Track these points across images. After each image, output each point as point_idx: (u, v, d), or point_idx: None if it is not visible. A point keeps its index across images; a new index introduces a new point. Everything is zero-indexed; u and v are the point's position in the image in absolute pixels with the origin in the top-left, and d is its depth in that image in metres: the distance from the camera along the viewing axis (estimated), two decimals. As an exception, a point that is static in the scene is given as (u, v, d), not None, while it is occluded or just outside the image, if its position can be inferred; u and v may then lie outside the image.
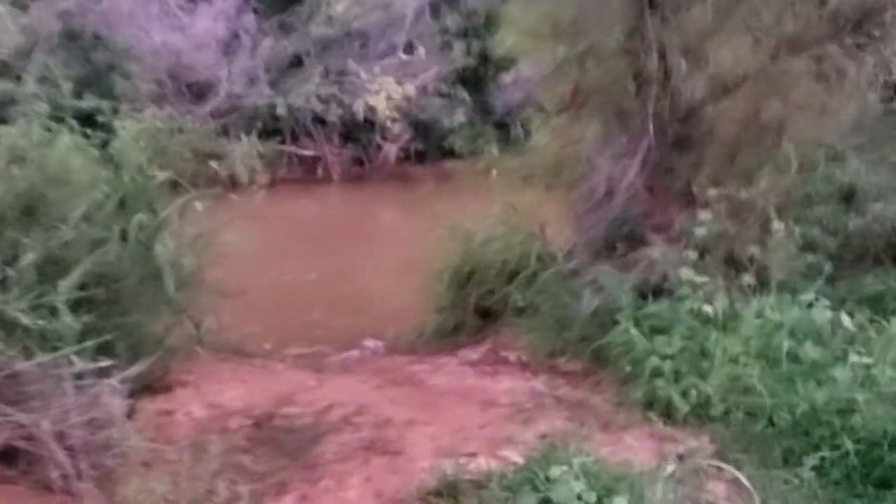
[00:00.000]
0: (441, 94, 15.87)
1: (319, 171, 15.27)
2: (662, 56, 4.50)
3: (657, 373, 3.27)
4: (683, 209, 4.77)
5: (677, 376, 3.22)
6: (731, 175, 4.71)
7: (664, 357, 3.28)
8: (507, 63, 17.38)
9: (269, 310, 7.40)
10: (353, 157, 15.76)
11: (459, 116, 15.65)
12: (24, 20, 13.11)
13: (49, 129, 4.19)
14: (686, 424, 3.15)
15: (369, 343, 6.19)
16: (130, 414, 3.02)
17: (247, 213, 12.72)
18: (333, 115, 14.76)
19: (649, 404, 3.26)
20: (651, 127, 4.78)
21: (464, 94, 16.09)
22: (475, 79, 16.49)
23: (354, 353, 6.05)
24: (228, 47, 14.13)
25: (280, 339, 6.17)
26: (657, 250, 4.37)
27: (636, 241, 4.79)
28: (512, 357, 4.70)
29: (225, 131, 13.71)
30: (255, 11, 14.80)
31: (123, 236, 3.10)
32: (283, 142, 14.80)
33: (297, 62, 15.12)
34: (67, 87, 12.24)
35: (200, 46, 13.64)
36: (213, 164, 13.30)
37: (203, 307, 4.57)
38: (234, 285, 8.18)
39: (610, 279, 4.28)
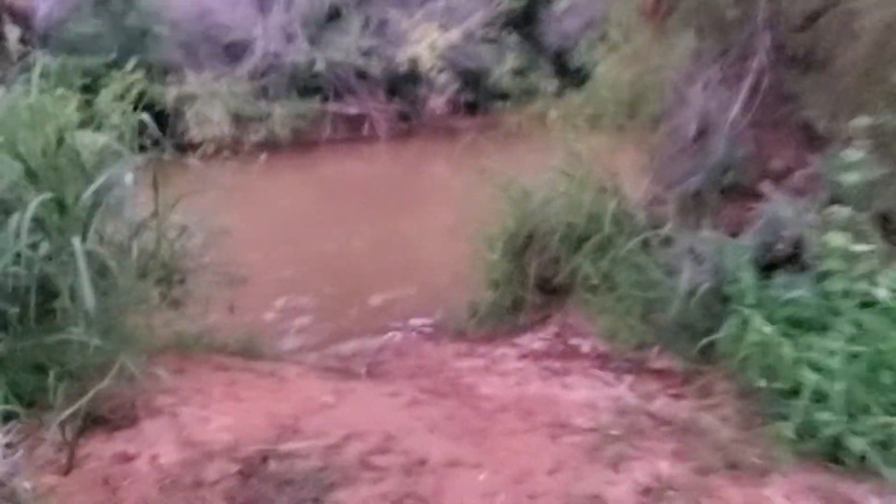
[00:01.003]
0: (488, 40, 14.55)
1: (365, 130, 14.32)
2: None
3: (818, 396, 2.18)
4: (808, 149, 3.54)
5: (850, 403, 2.12)
6: (877, 99, 3.43)
7: (825, 372, 2.17)
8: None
9: (304, 286, 6.71)
10: (399, 113, 14.71)
11: (510, 62, 14.32)
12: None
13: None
14: (865, 472, 2.06)
15: (415, 322, 5.40)
16: (69, 467, 2.18)
17: (287, 178, 12.23)
18: (376, 68, 13.71)
19: (800, 437, 2.19)
20: (763, 40, 3.53)
21: (513, 37, 14.70)
22: (524, 20, 15.03)
23: (396, 336, 5.20)
24: (263, 3, 13.14)
25: (311, 327, 5.38)
26: (779, 205, 3.17)
27: (744, 193, 3.60)
28: (585, 346, 3.66)
29: (264, 92, 12.88)
30: (287, -39, 13.72)
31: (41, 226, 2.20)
32: (325, 100, 13.85)
33: (335, 14, 14.01)
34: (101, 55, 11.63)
35: (234, 4, 12.72)
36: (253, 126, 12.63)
37: (207, 296, 3.72)
38: (264, 261, 7.55)
39: (716, 247, 3.14)
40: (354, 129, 14.27)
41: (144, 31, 11.79)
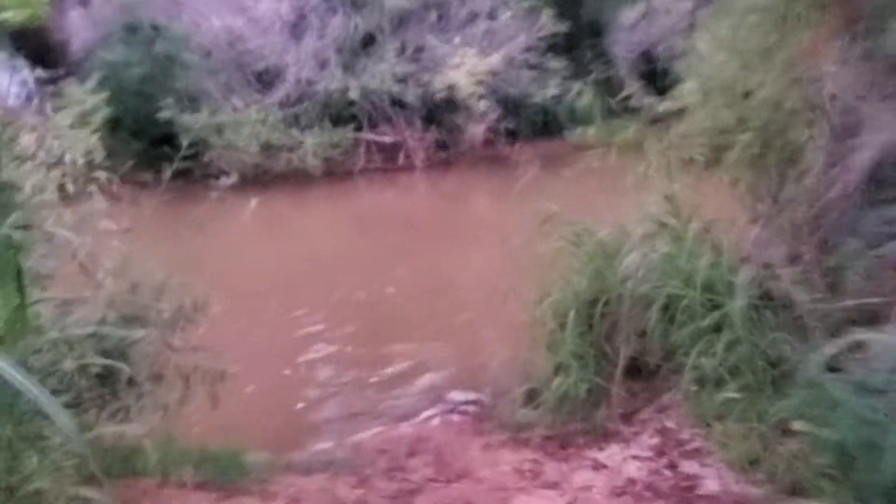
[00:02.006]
0: (531, 65, 13.60)
1: (401, 159, 13.43)
2: None
3: None
4: None
5: None
6: None
7: None
8: (603, 25, 15.13)
9: (326, 342, 5.77)
10: (436, 142, 13.74)
11: (553, 88, 13.31)
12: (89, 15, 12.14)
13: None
14: None
15: (456, 396, 4.36)
16: None
17: (318, 211, 11.44)
18: (412, 95, 12.82)
19: None
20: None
21: (557, 62, 13.72)
22: (569, 45, 14.07)
23: (433, 420, 4.12)
24: (295, 29, 12.45)
25: (326, 401, 4.47)
26: None
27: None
28: (710, 481, 2.46)
29: (296, 121, 12.12)
30: (324, -13, 13.07)
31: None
32: (359, 129, 13.02)
33: (370, 40, 13.25)
34: (129, 83, 11.04)
35: (265, 30, 12.05)
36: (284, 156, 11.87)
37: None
38: (283, 309, 6.60)
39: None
40: (390, 159, 13.39)
41: (173, 59, 11.16)
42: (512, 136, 14.35)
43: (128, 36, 11.37)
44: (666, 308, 3.09)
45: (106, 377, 2.37)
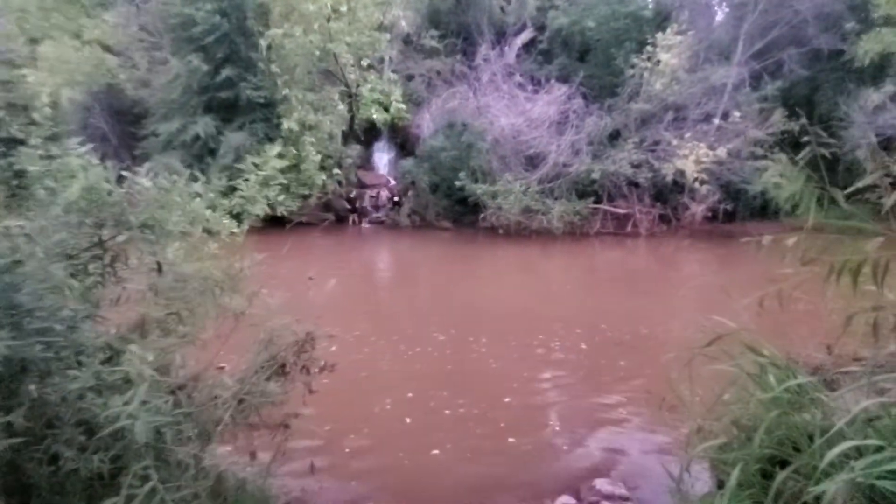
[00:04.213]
0: (756, 157, 15.02)
1: (629, 227, 15.92)
2: None
3: None
4: None
5: None
6: None
7: None
8: (837, 120, 15.37)
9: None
10: (660, 215, 16.03)
11: (775, 177, 14.53)
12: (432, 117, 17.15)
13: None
14: None
15: (603, 487, 3.73)
16: None
17: (559, 261, 13.94)
18: (644, 177, 15.30)
19: None
20: None
21: (782, 155, 14.89)
22: (795, 144, 15.17)
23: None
24: (559, 126, 15.95)
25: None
26: None
27: None
28: None
29: (550, 192, 15.54)
30: (584, 97, 16.47)
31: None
32: (598, 201, 15.93)
33: (616, 135, 16.20)
34: (444, 161, 15.68)
35: (537, 126, 15.85)
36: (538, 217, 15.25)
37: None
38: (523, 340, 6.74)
39: None
40: (620, 227, 15.96)
41: (472, 145, 15.50)
42: (730, 216, 15.90)
43: (447, 130, 16.10)
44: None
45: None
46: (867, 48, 10.83)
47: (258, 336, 2.64)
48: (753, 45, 16.45)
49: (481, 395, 5.40)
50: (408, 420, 4.85)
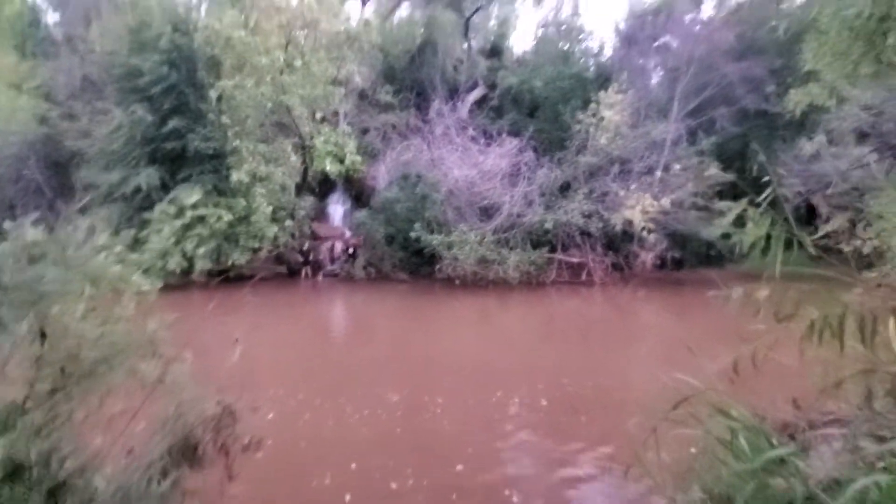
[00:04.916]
0: (698, 207, 15.45)
1: (583, 276, 15.93)
2: None
3: None
4: None
5: None
6: None
7: None
8: (769, 173, 16.19)
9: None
10: (613, 264, 16.13)
11: (717, 229, 14.94)
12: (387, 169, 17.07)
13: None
14: None
15: None
16: None
17: (516, 311, 13.80)
18: (595, 227, 15.45)
19: None
20: None
21: (721, 206, 15.38)
22: (734, 194, 15.67)
23: None
24: (512, 178, 16.08)
25: None
26: None
27: None
28: None
29: (505, 242, 15.46)
30: (535, 150, 16.75)
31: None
32: (553, 251, 15.94)
33: (566, 186, 16.42)
34: (399, 213, 15.48)
35: (490, 178, 15.91)
36: (493, 268, 15.09)
37: None
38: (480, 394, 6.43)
39: None
40: (575, 275, 15.95)
41: (426, 197, 15.39)
42: (678, 263, 16.19)
43: (401, 181, 15.99)
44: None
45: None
46: (797, 100, 11.43)
47: (166, 412, 2.22)
48: (688, 104, 17.33)
49: (433, 463, 4.93)
50: (347, 497, 4.28)
